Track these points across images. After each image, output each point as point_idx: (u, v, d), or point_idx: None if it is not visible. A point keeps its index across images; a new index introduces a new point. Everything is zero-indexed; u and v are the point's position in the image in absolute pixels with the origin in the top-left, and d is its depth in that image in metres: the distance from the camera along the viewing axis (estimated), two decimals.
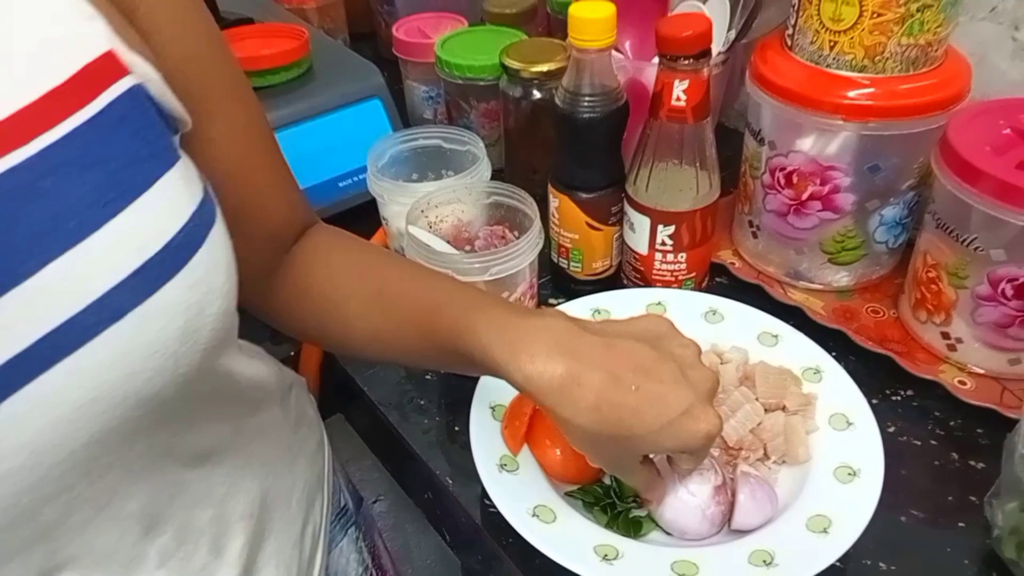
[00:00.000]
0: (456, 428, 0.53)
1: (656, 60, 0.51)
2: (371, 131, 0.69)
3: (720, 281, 0.63)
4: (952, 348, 0.53)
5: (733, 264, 0.63)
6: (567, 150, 0.56)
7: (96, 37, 0.28)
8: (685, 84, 0.50)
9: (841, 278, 0.60)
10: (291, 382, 0.47)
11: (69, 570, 0.30)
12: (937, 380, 0.53)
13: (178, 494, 0.34)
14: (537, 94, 0.65)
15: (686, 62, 0.49)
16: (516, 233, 0.55)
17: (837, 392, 0.48)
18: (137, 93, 0.29)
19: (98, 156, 0.27)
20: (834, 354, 0.51)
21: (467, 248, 0.56)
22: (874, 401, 0.51)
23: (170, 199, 0.29)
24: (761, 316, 0.54)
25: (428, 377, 0.57)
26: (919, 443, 0.50)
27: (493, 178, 0.59)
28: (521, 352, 0.35)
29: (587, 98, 0.53)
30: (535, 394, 0.35)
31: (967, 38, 0.61)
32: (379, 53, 0.95)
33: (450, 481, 0.50)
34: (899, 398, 0.53)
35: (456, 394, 0.53)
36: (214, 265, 0.30)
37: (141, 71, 0.29)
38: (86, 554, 0.30)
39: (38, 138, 0.26)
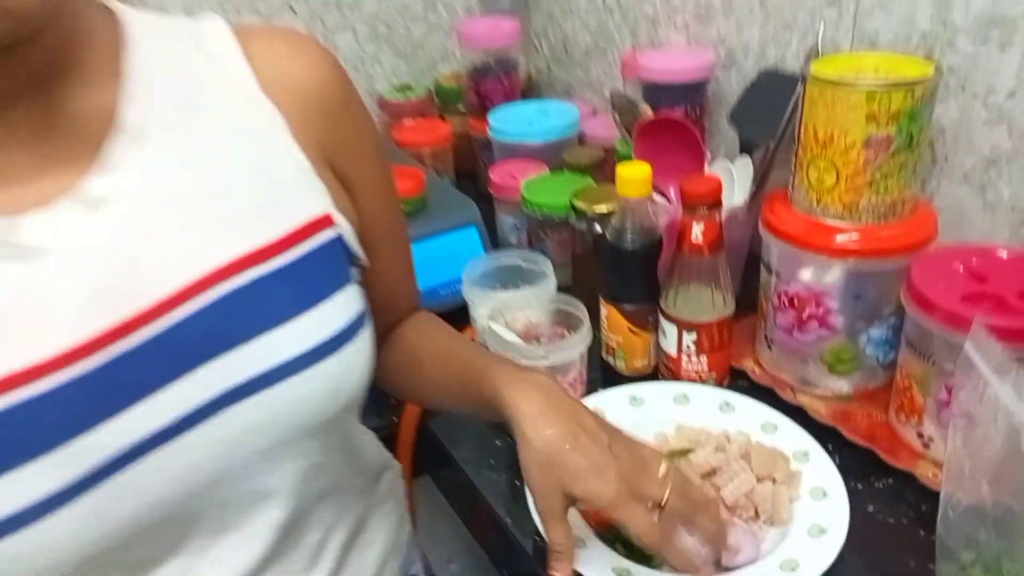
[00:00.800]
0: (517, 483, 0.67)
1: None
2: (468, 251, 0.89)
3: (741, 383, 0.76)
4: (926, 446, 0.64)
5: (753, 371, 0.77)
6: (614, 272, 0.73)
7: (320, 202, 0.47)
8: (701, 226, 0.66)
9: (841, 386, 0.72)
10: (388, 464, 0.62)
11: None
12: (914, 472, 0.64)
13: (306, 514, 0.49)
14: (598, 229, 0.82)
15: (702, 211, 0.66)
16: (571, 332, 0.72)
17: (819, 471, 0.61)
18: (336, 241, 0.48)
19: (302, 278, 0.45)
20: (829, 447, 0.64)
21: (534, 342, 0.73)
22: (859, 487, 0.64)
23: (338, 307, 0.47)
24: (766, 410, 0.67)
25: (498, 443, 0.72)
26: (892, 521, 0.61)
27: (561, 291, 0.76)
28: (518, 391, 0.49)
29: (629, 234, 0.70)
30: (520, 419, 0.48)
31: (948, 195, 0.75)
32: (478, 189, 1.16)
33: (509, 520, 0.64)
34: (881, 486, 0.64)
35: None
36: (356, 352, 0.47)
37: (342, 225, 0.48)
38: (238, 528, 0.46)
39: (270, 260, 0.44)
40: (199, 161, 0.44)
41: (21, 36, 0.36)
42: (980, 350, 0.48)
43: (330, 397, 0.46)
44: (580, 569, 0.53)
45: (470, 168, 1.21)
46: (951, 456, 0.51)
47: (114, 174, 0.41)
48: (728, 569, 0.54)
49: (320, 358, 0.45)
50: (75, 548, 0.39)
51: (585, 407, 0.52)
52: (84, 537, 0.39)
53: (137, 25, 0.45)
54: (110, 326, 0.39)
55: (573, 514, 0.59)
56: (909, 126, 0.62)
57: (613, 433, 0.50)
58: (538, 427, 0.48)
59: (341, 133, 0.51)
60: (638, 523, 0.46)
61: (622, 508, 0.46)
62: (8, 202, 0.39)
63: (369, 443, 0.59)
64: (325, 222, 0.48)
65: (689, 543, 0.50)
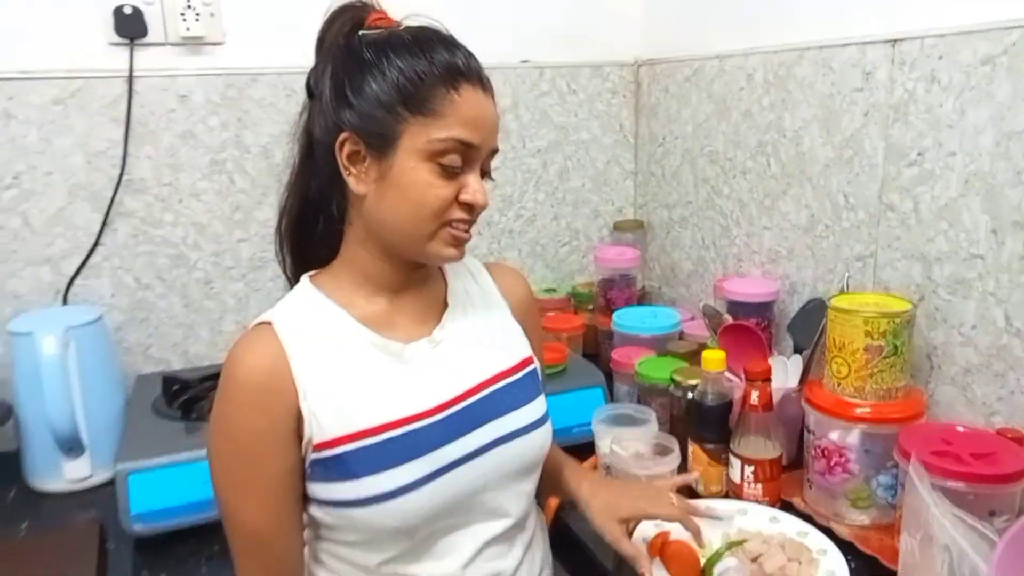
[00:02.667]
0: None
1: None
2: (594, 403, 1.26)
3: (788, 511, 1.06)
4: None
5: (799, 504, 1.07)
6: (699, 421, 1.08)
7: (527, 349, 0.88)
8: (757, 392, 1.02)
9: (862, 519, 1.02)
10: (538, 508, 0.97)
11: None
12: None
13: (519, 518, 0.85)
14: (689, 395, 1.18)
15: (758, 383, 1.02)
16: (664, 455, 1.06)
17: (833, 561, 0.90)
18: (535, 372, 0.88)
19: (525, 385, 0.85)
20: (848, 556, 0.93)
21: (641, 459, 1.07)
22: None
23: (540, 404, 0.86)
24: (801, 523, 0.98)
25: None
26: None
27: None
28: (582, 486, 0.88)
29: (709, 395, 1.06)
30: (579, 496, 0.88)
31: (941, 392, 1.08)
32: (599, 365, 1.54)
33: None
34: None
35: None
36: (548, 428, 0.86)
37: (535, 363, 0.89)
38: (472, 524, 0.81)
39: (513, 375, 0.85)
40: (478, 324, 0.86)
41: (442, 262, 0.81)
42: (916, 472, 0.79)
43: (542, 448, 0.85)
44: None
45: (594, 351, 1.61)
46: (903, 547, 0.80)
47: (445, 330, 0.84)
48: None
49: (537, 427, 0.84)
50: (427, 508, 0.76)
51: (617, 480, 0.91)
52: (432, 503, 0.76)
53: None
54: (448, 399, 0.80)
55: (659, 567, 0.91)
56: (894, 340, 0.98)
57: (639, 485, 0.92)
58: (591, 495, 0.90)
59: (528, 317, 0.93)
60: (665, 510, 0.87)
61: (654, 506, 0.87)
62: (403, 337, 0.81)
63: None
64: (530, 360, 0.88)
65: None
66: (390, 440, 0.75)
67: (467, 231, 0.77)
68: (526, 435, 0.82)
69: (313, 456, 0.74)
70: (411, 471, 0.75)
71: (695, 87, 1.55)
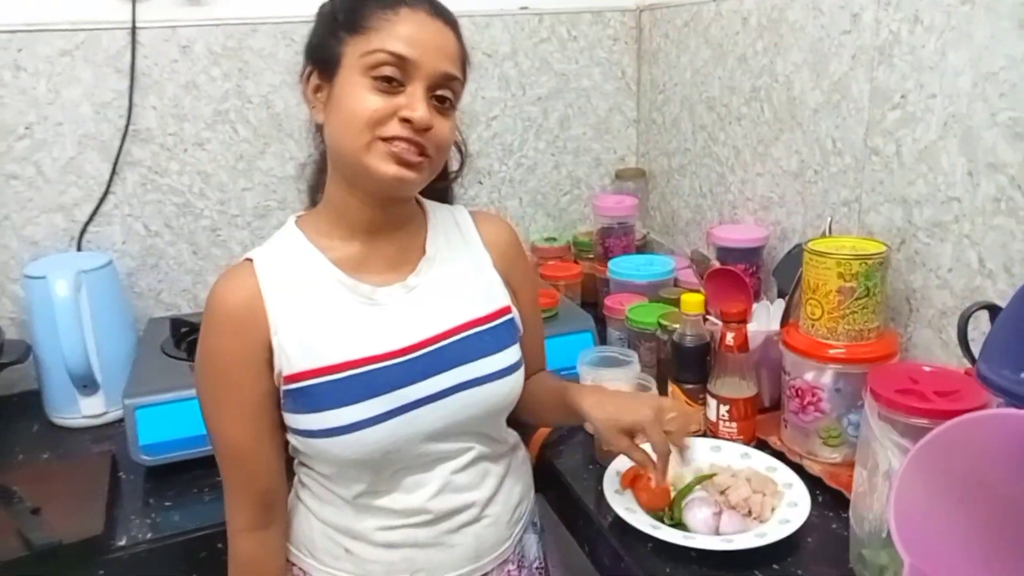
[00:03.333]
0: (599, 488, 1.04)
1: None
2: (584, 347, 1.30)
3: (765, 450, 1.10)
4: None
5: (775, 443, 1.10)
6: (678, 362, 1.11)
7: (504, 298, 0.92)
8: (732, 334, 1.05)
9: (833, 456, 1.05)
10: (520, 445, 1.01)
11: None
12: None
13: (485, 452, 0.89)
14: (674, 337, 1.21)
15: (733, 324, 1.05)
16: None
17: (796, 493, 0.94)
18: (511, 319, 0.91)
19: (495, 336, 0.89)
20: (817, 491, 0.96)
21: None
22: (829, 513, 0.95)
23: (513, 353, 0.89)
24: (771, 459, 1.01)
25: (591, 467, 1.09)
26: (844, 534, 0.92)
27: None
28: (582, 396, 0.91)
29: (688, 337, 1.09)
30: (586, 409, 0.89)
31: (918, 335, 1.10)
32: (597, 313, 1.58)
33: (592, 507, 1.00)
34: (844, 515, 0.96)
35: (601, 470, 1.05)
36: (518, 376, 0.89)
37: (513, 312, 0.92)
38: (435, 459, 0.85)
39: (486, 324, 0.88)
40: (456, 272, 0.90)
41: (401, 196, 0.83)
42: (868, 405, 0.82)
43: (509, 396, 0.88)
44: (632, 521, 0.89)
45: (593, 299, 1.64)
46: (856, 477, 0.84)
47: (420, 276, 0.87)
48: (725, 533, 0.89)
49: (506, 375, 0.87)
50: (380, 446, 0.80)
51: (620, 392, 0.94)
52: (385, 441, 0.80)
53: (428, 206, 0.93)
54: (415, 342, 0.84)
55: (630, 499, 0.95)
56: (866, 282, 1.00)
57: (644, 395, 0.94)
58: (595, 407, 0.89)
59: (513, 266, 0.96)
60: (657, 436, 0.86)
61: (650, 427, 0.85)
62: (376, 281, 0.85)
63: (511, 431, 0.99)
64: (506, 310, 0.92)
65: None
66: (352, 377, 0.80)
67: (410, 150, 0.76)
68: (492, 382, 0.86)
69: (284, 388, 0.80)
70: (370, 407, 0.79)
71: (693, 32, 1.54)
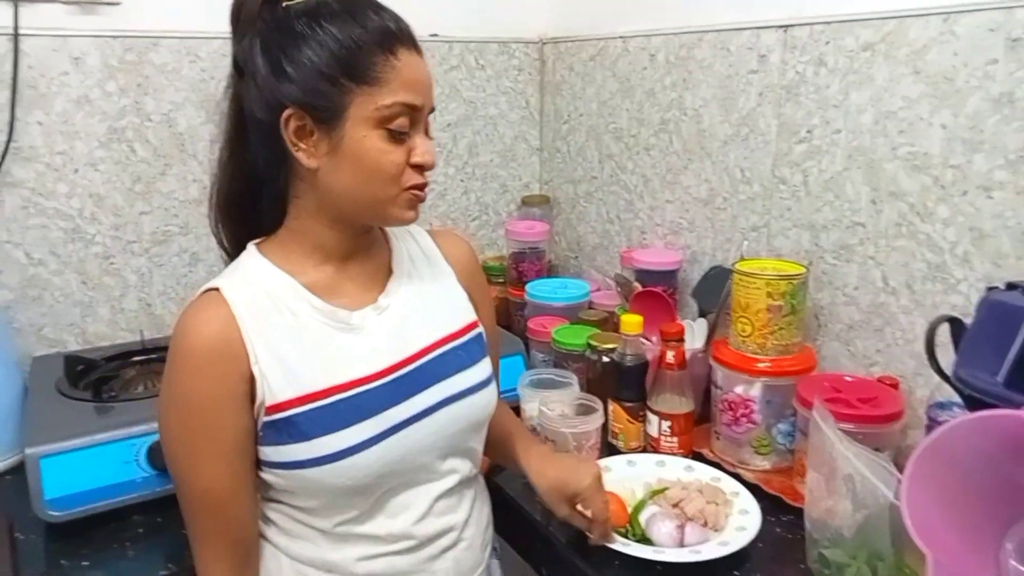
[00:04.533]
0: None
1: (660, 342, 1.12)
2: (515, 370, 1.30)
3: (700, 461, 1.15)
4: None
5: (708, 454, 1.16)
6: (619, 381, 1.15)
7: (471, 313, 0.91)
8: (672, 352, 1.10)
9: (764, 464, 1.12)
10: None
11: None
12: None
13: (466, 476, 0.88)
14: (605, 358, 1.25)
15: (673, 343, 1.10)
16: (589, 414, 1.12)
17: (744, 502, 0.99)
18: (480, 335, 0.91)
19: (470, 349, 0.88)
20: (757, 497, 1.02)
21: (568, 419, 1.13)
22: (771, 519, 1.01)
23: (485, 366, 0.89)
24: (714, 471, 1.06)
25: None
26: (790, 536, 0.99)
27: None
28: (534, 467, 0.93)
29: (628, 357, 1.13)
30: (529, 474, 0.93)
31: (827, 347, 1.20)
32: (512, 334, 1.60)
33: (549, 528, 1.00)
34: (785, 518, 1.02)
35: None
36: (493, 390, 0.89)
37: (480, 327, 0.91)
38: (422, 481, 0.84)
39: (458, 338, 0.87)
40: (423, 290, 0.88)
41: (399, 224, 0.81)
42: (820, 414, 0.89)
43: (488, 407, 0.88)
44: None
45: (506, 322, 1.66)
46: (809, 483, 0.90)
47: (390, 296, 0.85)
48: (690, 545, 0.92)
49: (481, 388, 0.87)
50: (375, 469, 0.77)
51: (562, 455, 0.97)
52: (381, 461, 0.77)
53: (389, 229, 0.91)
54: (396, 362, 0.81)
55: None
56: (791, 300, 1.08)
57: (585, 461, 0.97)
58: (540, 473, 0.94)
59: (474, 281, 0.96)
60: (598, 505, 0.90)
61: (591, 496, 0.90)
62: (350, 304, 0.82)
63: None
64: (474, 324, 0.91)
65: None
66: (339, 402, 0.77)
67: (422, 192, 0.79)
68: (471, 395, 0.85)
69: (265, 419, 0.75)
70: (361, 431, 0.77)
71: (600, 66, 1.61)
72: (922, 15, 1.02)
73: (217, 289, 0.75)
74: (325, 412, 0.76)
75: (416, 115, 0.76)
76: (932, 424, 0.97)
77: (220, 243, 0.85)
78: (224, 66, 1.37)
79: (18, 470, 1.07)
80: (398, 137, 0.75)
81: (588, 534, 0.93)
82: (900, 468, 0.94)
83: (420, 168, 0.77)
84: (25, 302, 1.30)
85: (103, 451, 1.00)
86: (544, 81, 1.79)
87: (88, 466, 0.98)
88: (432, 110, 0.79)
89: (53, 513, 0.96)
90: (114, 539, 0.98)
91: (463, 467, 0.87)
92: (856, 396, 1.02)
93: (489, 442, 0.98)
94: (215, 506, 0.75)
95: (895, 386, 1.07)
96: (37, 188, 1.27)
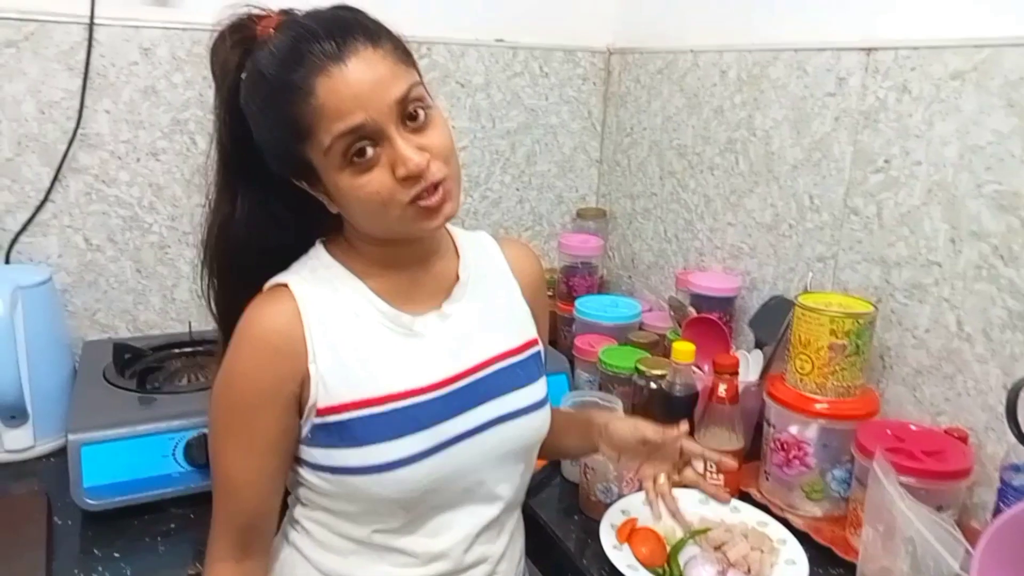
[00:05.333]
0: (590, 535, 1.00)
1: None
2: (559, 391, 1.27)
3: (747, 502, 1.10)
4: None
5: (756, 494, 1.11)
6: (664, 412, 1.10)
7: (532, 330, 0.88)
8: (724, 385, 1.05)
9: (815, 510, 1.06)
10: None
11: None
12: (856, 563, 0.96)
13: (513, 501, 0.85)
14: (653, 385, 1.20)
15: (725, 376, 1.05)
16: None
17: (792, 551, 0.94)
18: (539, 354, 0.88)
19: (527, 367, 0.85)
20: (805, 546, 0.96)
21: None
22: (819, 570, 0.96)
23: (541, 386, 0.86)
24: (761, 514, 1.01)
25: (576, 517, 1.06)
26: None
27: None
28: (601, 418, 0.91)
29: (677, 386, 1.08)
30: (602, 426, 0.91)
31: (892, 391, 1.13)
32: (558, 350, 1.56)
33: (585, 561, 0.96)
34: (835, 571, 0.96)
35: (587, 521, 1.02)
36: (547, 410, 0.86)
37: (540, 345, 0.88)
38: (466, 503, 0.81)
39: (517, 354, 0.85)
40: (488, 300, 0.86)
41: (428, 234, 0.78)
42: (881, 468, 0.83)
43: (541, 430, 0.85)
44: None
45: (552, 336, 1.62)
46: (865, 538, 0.84)
47: (454, 304, 0.82)
48: None
49: (536, 409, 0.84)
50: (421, 484, 0.75)
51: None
52: (429, 477, 0.75)
53: (456, 232, 0.88)
54: (452, 374, 0.79)
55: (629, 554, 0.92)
56: (856, 340, 1.02)
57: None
58: (612, 427, 0.92)
59: (538, 296, 0.93)
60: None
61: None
62: (414, 309, 0.80)
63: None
64: (534, 342, 0.88)
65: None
66: (395, 411, 0.75)
67: (430, 197, 0.71)
68: (525, 416, 0.83)
69: (316, 421, 0.74)
70: (413, 443, 0.75)
71: (667, 79, 1.56)
72: (1019, 44, 0.95)
73: (285, 284, 0.75)
74: (379, 420, 0.74)
75: (370, 129, 0.68)
76: (1005, 488, 0.90)
77: (209, 301, 0.82)
78: None
79: (61, 452, 1.08)
80: (367, 164, 0.69)
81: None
82: (964, 529, 0.88)
83: (410, 178, 0.69)
84: (81, 286, 1.32)
85: (143, 443, 1.00)
86: (608, 92, 1.75)
87: (127, 457, 0.99)
88: (406, 97, 0.69)
89: (90, 501, 0.97)
90: (146, 532, 0.98)
91: (508, 493, 0.84)
92: (921, 447, 0.95)
93: (554, 433, 0.93)
94: (233, 491, 0.75)
95: (964, 439, 1.00)
96: (100, 175, 1.29)
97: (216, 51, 0.74)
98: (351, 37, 0.68)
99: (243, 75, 0.72)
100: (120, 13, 1.25)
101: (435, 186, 0.71)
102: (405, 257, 0.80)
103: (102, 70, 1.26)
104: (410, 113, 0.70)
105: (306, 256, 0.80)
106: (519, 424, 0.82)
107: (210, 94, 1.31)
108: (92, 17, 1.22)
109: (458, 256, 0.86)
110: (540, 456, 0.94)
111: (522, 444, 0.84)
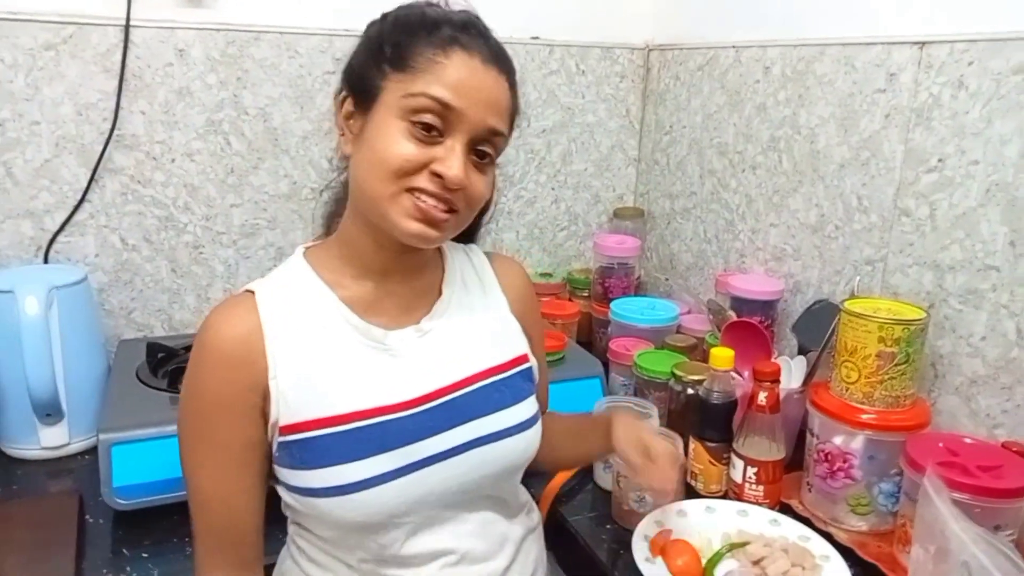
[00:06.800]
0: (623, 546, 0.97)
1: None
2: (592, 395, 1.24)
3: (788, 514, 1.05)
4: None
5: (798, 506, 1.06)
6: (703, 418, 1.06)
7: (522, 346, 0.85)
8: (765, 393, 1.00)
9: (860, 524, 1.01)
10: (533, 507, 0.93)
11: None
12: None
13: (501, 517, 0.81)
14: (690, 390, 1.16)
15: (766, 384, 1.00)
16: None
17: (836, 568, 0.89)
18: (529, 371, 0.85)
19: (514, 385, 0.82)
20: (850, 562, 0.92)
21: None
22: None
23: (529, 405, 0.83)
24: (803, 528, 0.97)
25: (609, 527, 1.02)
26: None
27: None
28: (615, 421, 0.86)
29: (715, 393, 1.04)
30: (615, 427, 0.86)
31: (944, 401, 1.07)
32: (592, 353, 1.53)
33: (617, 573, 0.93)
34: None
35: (619, 530, 0.98)
36: (536, 430, 0.82)
37: (531, 361, 0.85)
38: (447, 523, 0.77)
39: (502, 372, 0.81)
40: (472, 317, 0.83)
41: (399, 237, 0.74)
42: (933, 485, 0.79)
43: (525, 453, 0.81)
44: None
45: (587, 339, 1.59)
46: (914, 558, 0.80)
47: (435, 320, 0.80)
48: None
49: (523, 430, 0.81)
50: (387, 508, 0.72)
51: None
52: (396, 499, 0.72)
53: (446, 246, 0.86)
54: (428, 392, 0.76)
55: (662, 567, 0.89)
56: (907, 348, 0.97)
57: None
58: (624, 429, 0.87)
59: (529, 311, 0.90)
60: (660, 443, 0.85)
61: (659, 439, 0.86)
62: (389, 323, 0.77)
63: (524, 491, 0.91)
64: (523, 358, 0.85)
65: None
66: (359, 429, 0.72)
67: (436, 207, 0.70)
68: (508, 438, 0.79)
69: (280, 439, 0.71)
70: (379, 464, 0.71)
71: (708, 76, 1.52)
72: None
73: (252, 292, 0.73)
74: (344, 438, 0.71)
75: (451, 117, 0.69)
76: None
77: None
78: (321, 62, 1.38)
79: (94, 450, 1.08)
80: (423, 135, 0.69)
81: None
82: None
83: (438, 177, 0.69)
84: (118, 286, 1.33)
85: (172, 444, 0.99)
86: (647, 89, 1.71)
87: (157, 457, 0.98)
88: (495, 134, 0.72)
89: (120, 500, 0.97)
90: (175, 533, 0.97)
91: (500, 509, 0.81)
92: (976, 463, 0.90)
93: (555, 443, 0.91)
94: (210, 506, 0.73)
95: (1023, 454, 0.94)
96: (136, 175, 1.30)
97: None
98: (503, 63, 0.73)
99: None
100: (155, 15, 1.25)
101: (446, 205, 0.71)
102: (385, 264, 0.77)
103: (138, 71, 1.26)
104: (482, 150, 0.72)
105: (284, 263, 0.79)
106: (502, 446, 0.78)
107: (244, 94, 1.34)
108: (128, 19, 1.23)
109: (444, 270, 0.84)
110: (544, 468, 0.91)
111: (504, 466, 0.79)
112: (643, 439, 0.86)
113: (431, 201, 0.70)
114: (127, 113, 1.27)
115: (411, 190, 0.69)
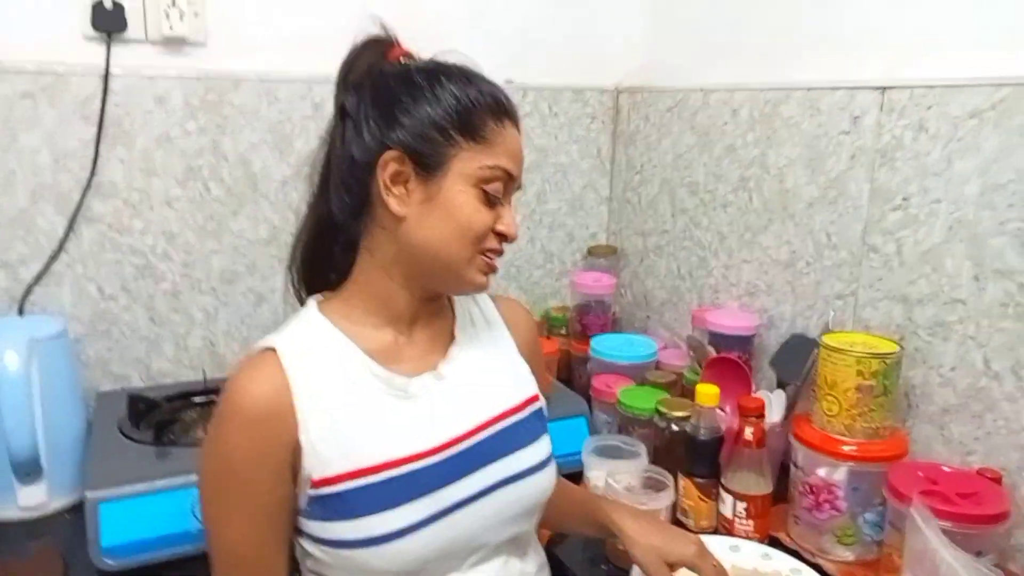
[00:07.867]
0: None
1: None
2: (578, 434, 1.25)
3: (776, 547, 1.08)
4: None
5: (785, 539, 1.09)
6: (690, 455, 1.09)
7: (533, 386, 0.87)
8: (751, 428, 1.03)
9: (847, 555, 1.04)
10: (537, 541, 0.95)
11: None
12: None
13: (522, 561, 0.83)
14: (675, 427, 1.18)
15: (752, 419, 1.03)
16: (658, 492, 1.06)
17: None
18: (540, 411, 0.86)
19: (529, 425, 0.84)
20: None
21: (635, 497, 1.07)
22: None
23: (544, 444, 0.84)
24: (794, 561, 0.99)
25: (603, 567, 1.03)
26: None
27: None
28: (622, 516, 0.87)
29: (702, 430, 1.07)
30: (627, 532, 0.85)
31: (918, 430, 1.11)
32: (576, 388, 1.54)
33: None
34: None
35: (614, 570, 0.99)
36: (552, 469, 0.84)
37: (541, 401, 0.87)
38: (468, 566, 0.78)
39: (517, 413, 0.83)
40: (484, 359, 0.85)
41: (470, 291, 0.78)
42: (920, 515, 0.82)
43: (546, 491, 0.82)
44: None
45: (567, 376, 1.61)
46: None
47: (451, 363, 0.81)
48: None
49: (540, 469, 0.82)
50: (422, 555, 0.73)
51: (658, 519, 0.90)
52: (430, 546, 0.73)
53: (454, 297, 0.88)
54: (452, 438, 0.77)
55: None
56: (884, 380, 1.01)
57: (683, 531, 0.89)
58: (639, 534, 0.86)
59: (535, 352, 0.92)
60: (709, 570, 0.82)
61: (700, 560, 0.82)
62: (409, 370, 0.79)
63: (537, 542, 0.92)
64: (535, 398, 0.87)
65: None
66: (392, 479, 0.73)
67: (495, 260, 0.78)
68: (529, 477, 0.81)
69: (311, 493, 0.72)
70: (413, 512, 0.73)
71: (677, 118, 1.57)
72: None
73: (273, 349, 0.73)
74: (376, 489, 0.72)
75: (510, 184, 0.77)
76: None
77: (296, 293, 0.84)
78: (300, 108, 1.39)
79: (76, 509, 1.05)
80: (490, 200, 0.75)
81: None
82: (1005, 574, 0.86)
83: (503, 237, 0.77)
84: (94, 336, 1.31)
85: (162, 499, 0.98)
86: (617, 130, 1.76)
87: (146, 514, 0.97)
88: (520, 187, 0.80)
89: (109, 561, 0.94)
90: None
91: (515, 550, 0.82)
92: (955, 490, 0.94)
93: (565, 514, 0.94)
94: (240, 564, 0.73)
95: (998, 480, 0.98)
96: (114, 224, 1.29)
97: (358, 51, 0.78)
98: (519, 117, 0.80)
99: (423, 61, 0.78)
100: (135, 62, 1.25)
101: (500, 254, 0.78)
102: (409, 314, 0.80)
103: (117, 119, 1.26)
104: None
105: (299, 315, 0.80)
106: (525, 484, 0.80)
107: (224, 140, 1.34)
108: (107, 68, 1.22)
109: (453, 315, 0.86)
110: (543, 525, 0.92)
111: (525, 506, 0.81)
112: (672, 559, 0.84)
113: (496, 258, 0.78)
114: (105, 160, 1.26)
115: (484, 251, 0.76)
